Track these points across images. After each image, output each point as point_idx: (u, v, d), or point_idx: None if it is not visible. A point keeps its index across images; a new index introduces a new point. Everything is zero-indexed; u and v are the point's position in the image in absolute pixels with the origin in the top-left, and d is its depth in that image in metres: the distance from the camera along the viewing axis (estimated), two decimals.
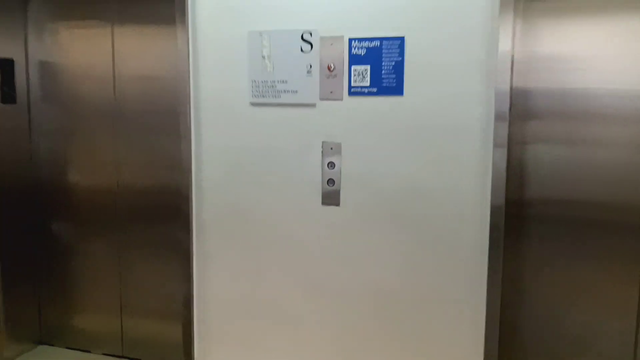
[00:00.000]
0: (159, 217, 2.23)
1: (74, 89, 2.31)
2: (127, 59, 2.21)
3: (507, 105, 1.63)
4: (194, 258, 2.06)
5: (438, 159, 1.75)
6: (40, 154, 2.40)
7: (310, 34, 1.84)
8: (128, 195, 2.29)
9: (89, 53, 2.26)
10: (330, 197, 1.87)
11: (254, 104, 1.92)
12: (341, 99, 1.83)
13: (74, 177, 2.37)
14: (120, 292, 2.37)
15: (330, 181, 1.87)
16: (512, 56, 1.63)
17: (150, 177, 2.23)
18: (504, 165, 1.64)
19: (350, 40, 1.81)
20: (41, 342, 2.53)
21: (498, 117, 1.64)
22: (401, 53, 1.76)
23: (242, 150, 1.95)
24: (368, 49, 1.79)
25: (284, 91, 1.88)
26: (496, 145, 1.65)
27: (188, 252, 2.05)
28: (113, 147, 2.27)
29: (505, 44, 1.62)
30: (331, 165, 1.86)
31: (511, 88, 1.64)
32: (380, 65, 1.78)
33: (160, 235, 2.24)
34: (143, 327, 2.36)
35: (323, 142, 1.86)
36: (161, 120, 2.15)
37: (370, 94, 1.80)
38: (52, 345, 2.51)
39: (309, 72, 1.86)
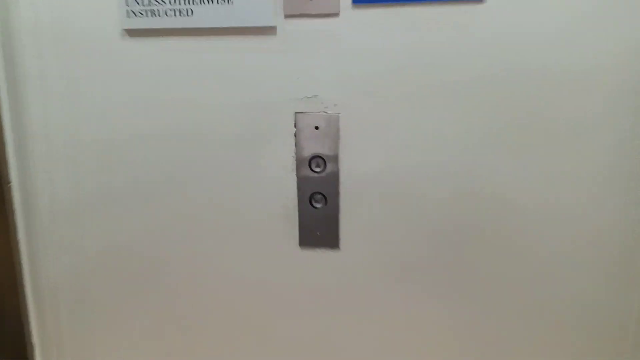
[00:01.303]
0: None
1: None
2: None
3: None
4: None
5: (563, 145, 0.78)
6: None
7: None
8: None
9: None
10: (318, 231, 0.88)
11: (133, 31, 0.85)
12: (336, 14, 0.79)
13: None
14: None
15: (317, 197, 0.87)
16: None
17: None
18: None
19: None
20: None
21: None
22: None
23: (113, 135, 0.89)
24: None
25: (201, 0, 0.82)
26: None
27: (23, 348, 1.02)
28: None
29: None
30: (318, 164, 0.86)
31: None
32: None
33: None
34: None
35: (297, 115, 0.84)
36: None
37: None
38: None
39: None
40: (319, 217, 0.87)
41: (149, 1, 0.82)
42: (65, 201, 0.93)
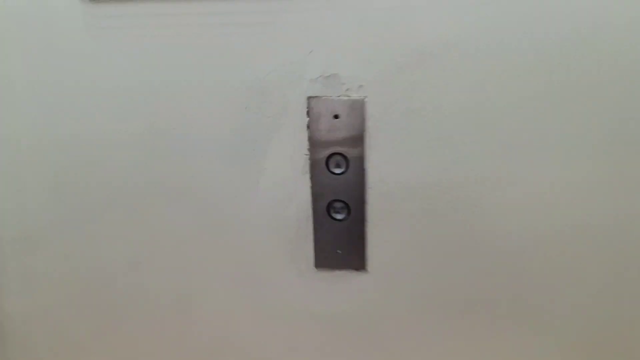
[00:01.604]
0: None
1: None
2: None
3: None
4: None
5: None
6: None
7: None
8: None
9: None
10: (338, 249, 0.69)
11: None
12: None
13: None
14: None
15: (337, 206, 0.68)
16: None
17: None
18: None
19: None
20: None
21: None
22: None
23: (76, 136, 0.70)
24: None
25: None
26: None
27: None
28: None
29: None
30: (338, 164, 0.66)
31: None
32: None
33: None
34: None
35: (310, 100, 0.64)
36: None
37: None
38: None
39: None
40: (339, 231, 0.68)
41: None
42: (12, 225, 0.75)
